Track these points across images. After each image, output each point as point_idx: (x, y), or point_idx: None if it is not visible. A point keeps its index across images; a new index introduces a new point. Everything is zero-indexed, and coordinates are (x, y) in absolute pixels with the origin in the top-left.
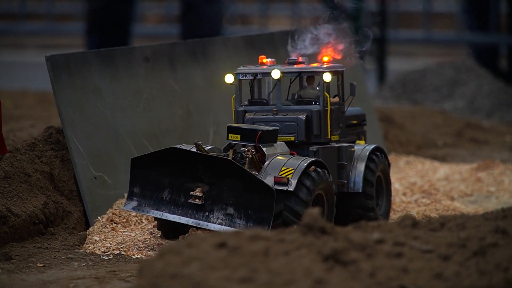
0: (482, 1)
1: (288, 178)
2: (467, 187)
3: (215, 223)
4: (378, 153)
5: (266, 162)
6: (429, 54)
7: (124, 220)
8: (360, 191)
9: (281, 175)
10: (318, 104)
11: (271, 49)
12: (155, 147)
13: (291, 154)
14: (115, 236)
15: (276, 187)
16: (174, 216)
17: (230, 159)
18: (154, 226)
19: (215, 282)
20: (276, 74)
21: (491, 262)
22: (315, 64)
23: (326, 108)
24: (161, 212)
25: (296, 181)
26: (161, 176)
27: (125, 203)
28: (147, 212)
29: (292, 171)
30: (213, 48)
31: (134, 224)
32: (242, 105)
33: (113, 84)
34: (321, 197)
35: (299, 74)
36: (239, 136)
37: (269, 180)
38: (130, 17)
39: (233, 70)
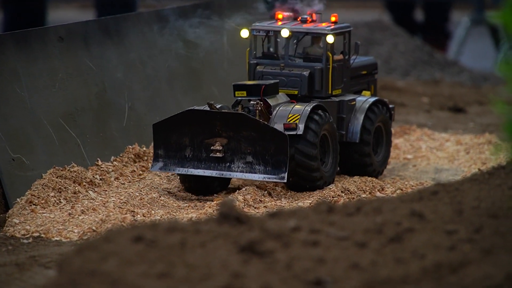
0: None
1: (296, 123)
2: None
3: (236, 172)
4: (379, 105)
5: (274, 112)
6: (344, 6)
7: (43, 201)
8: (357, 141)
9: (289, 121)
10: (321, 62)
11: (183, 21)
12: (71, 127)
13: (291, 102)
14: (34, 218)
15: (287, 132)
16: (199, 170)
17: (244, 112)
18: (72, 207)
19: (133, 278)
20: (285, 33)
21: (407, 249)
22: (323, 24)
23: (328, 66)
24: (186, 169)
25: (303, 125)
26: (182, 136)
27: (152, 165)
28: (173, 170)
29: (299, 116)
30: (126, 24)
31: (53, 205)
32: (254, 58)
33: (29, 65)
34: (325, 137)
35: (306, 34)
36: (245, 92)
37: (279, 127)
38: None
39: (146, 46)
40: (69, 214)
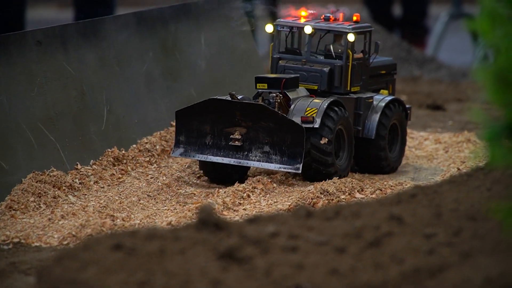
0: None
1: (313, 117)
2: None
3: (254, 161)
4: (396, 103)
5: (292, 105)
6: (323, 2)
7: (22, 207)
8: (373, 137)
9: (306, 114)
10: (341, 60)
11: (162, 24)
12: (51, 131)
13: (310, 96)
14: (14, 224)
15: (303, 125)
16: (218, 157)
17: (263, 104)
18: (52, 212)
19: (113, 287)
20: (308, 29)
21: (386, 253)
22: (344, 23)
23: (348, 63)
24: (206, 156)
25: (320, 119)
26: (203, 124)
27: (172, 151)
28: (193, 156)
29: (316, 110)
30: (103, 27)
31: (33, 210)
32: (278, 53)
33: (7, 70)
34: (341, 132)
35: (328, 31)
36: (266, 84)
37: (296, 120)
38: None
39: (125, 48)
40: (49, 219)
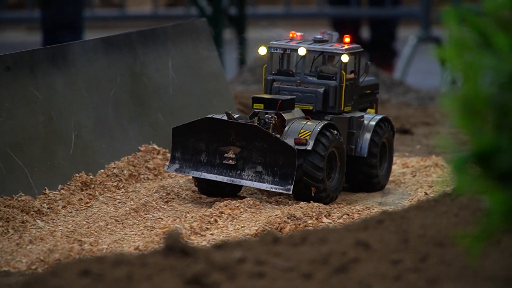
0: None
1: (306, 139)
2: None
3: (246, 180)
4: (385, 122)
5: (287, 126)
6: (291, 24)
7: None
8: (365, 155)
9: (300, 136)
10: (335, 80)
11: (129, 48)
12: (19, 156)
13: (306, 118)
14: None
15: (297, 147)
16: (211, 175)
17: (258, 125)
18: (20, 237)
19: None
20: (302, 51)
21: (353, 279)
22: (336, 45)
23: (341, 84)
24: (200, 172)
25: (313, 141)
26: (198, 141)
27: (168, 166)
28: (188, 173)
29: (309, 133)
30: (72, 52)
31: (1, 235)
32: (271, 75)
33: None
34: (334, 154)
35: (321, 53)
36: (262, 105)
37: (290, 141)
38: None
39: (93, 73)
40: (17, 244)
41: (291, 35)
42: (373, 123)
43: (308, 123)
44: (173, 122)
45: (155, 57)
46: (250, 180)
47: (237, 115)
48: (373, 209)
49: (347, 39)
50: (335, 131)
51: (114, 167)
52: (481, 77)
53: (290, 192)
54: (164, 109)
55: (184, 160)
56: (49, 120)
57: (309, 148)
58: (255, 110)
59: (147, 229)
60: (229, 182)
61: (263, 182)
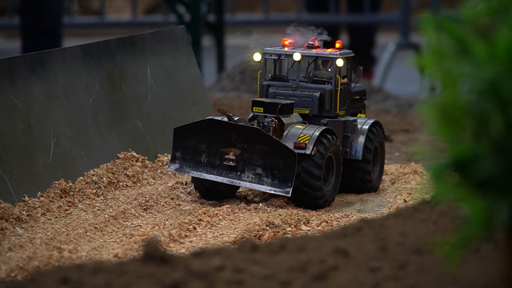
0: None
1: (305, 143)
2: None
3: (246, 181)
4: (377, 126)
5: (286, 130)
6: (271, 31)
7: None
8: (360, 158)
9: (299, 140)
10: (330, 84)
11: (108, 56)
12: None
13: (304, 123)
14: None
15: (296, 150)
16: (211, 175)
17: (259, 128)
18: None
19: None
20: (297, 56)
21: (332, 286)
22: (329, 50)
23: (336, 88)
24: (200, 173)
25: (312, 145)
26: (199, 142)
27: (168, 166)
28: (188, 172)
29: (309, 137)
30: (51, 59)
31: None
32: (266, 80)
33: None
34: (331, 158)
35: (316, 58)
36: (262, 108)
37: (289, 145)
38: None
39: (71, 81)
40: None
41: (283, 41)
42: (366, 127)
43: (307, 127)
44: (151, 129)
45: (134, 64)
46: (249, 181)
47: (237, 118)
48: (352, 217)
49: (338, 45)
50: (333, 136)
51: (93, 175)
52: (459, 84)
53: (289, 195)
54: (143, 117)
55: (184, 160)
56: (28, 127)
57: (308, 152)
58: (255, 113)
59: (126, 237)
60: (228, 183)
61: (263, 184)
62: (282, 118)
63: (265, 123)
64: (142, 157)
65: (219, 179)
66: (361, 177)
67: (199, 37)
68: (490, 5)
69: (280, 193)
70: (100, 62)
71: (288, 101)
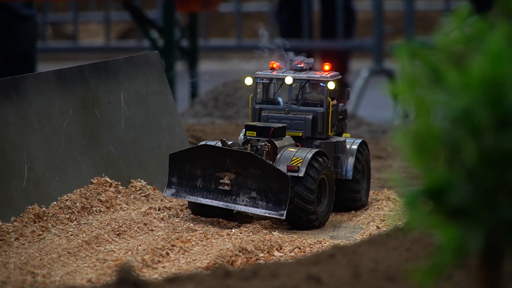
0: (293, 6)
1: (298, 166)
2: None
3: (241, 205)
4: (364, 146)
5: (279, 154)
6: (241, 57)
7: None
8: (351, 178)
9: (292, 163)
10: (321, 107)
11: (82, 81)
12: None
13: (296, 145)
14: None
15: (289, 173)
16: (207, 200)
17: (253, 152)
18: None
19: None
20: (289, 80)
21: None
22: (319, 73)
23: (328, 110)
24: (196, 197)
25: (304, 168)
26: (194, 168)
27: (164, 191)
28: (184, 197)
29: (301, 160)
30: (25, 84)
31: None
32: (258, 104)
33: None
34: (323, 180)
35: (308, 81)
36: (255, 132)
37: (283, 168)
38: None
39: (45, 106)
40: None
41: (271, 65)
42: (355, 147)
43: (300, 150)
44: (124, 155)
45: (107, 89)
46: (244, 205)
47: (230, 142)
48: (325, 243)
49: (327, 67)
50: (325, 158)
51: (66, 199)
52: (433, 112)
53: (283, 218)
54: (116, 142)
55: (180, 185)
56: (2, 152)
57: (301, 174)
58: (248, 137)
59: (100, 262)
60: (224, 207)
61: (257, 207)
62: (275, 142)
63: (258, 147)
64: (116, 183)
65: (214, 203)
66: (351, 197)
67: (172, 62)
68: (464, 32)
69: (274, 216)
70: (74, 87)
71: (280, 125)
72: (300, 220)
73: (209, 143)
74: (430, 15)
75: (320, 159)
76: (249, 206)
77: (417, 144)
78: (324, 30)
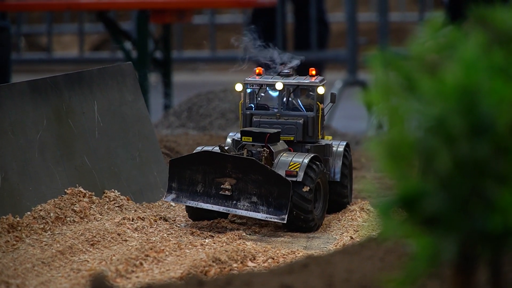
0: (267, 18)
1: (296, 171)
2: None
3: (242, 209)
4: (347, 148)
5: (276, 159)
6: (216, 69)
7: None
8: (339, 180)
9: (290, 169)
10: (312, 111)
11: (55, 92)
12: None
13: (289, 149)
14: None
15: (288, 178)
16: (208, 205)
17: (254, 158)
18: None
19: None
20: (279, 86)
21: None
22: (306, 78)
23: (318, 114)
24: (196, 202)
25: (302, 173)
26: (195, 173)
27: (165, 196)
28: (184, 202)
29: (299, 165)
30: None
31: None
32: (248, 110)
33: None
34: (319, 184)
35: (297, 86)
36: (251, 138)
37: (281, 173)
38: None
39: (19, 116)
40: None
41: (257, 71)
42: (341, 149)
43: (296, 156)
44: (98, 165)
45: (81, 100)
46: (245, 210)
47: (227, 147)
48: (298, 253)
49: (313, 72)
50: (320, 163)
51: (40, 210)
52: (407, 121)
53: (285, 221)
54: (90, 153)
55: (181, 190)
56: None
57: (299, 179)
58: (244, 142)
59: (74, 272)
60: (225, 211)
61: (258, 212)
62: (271, 147)
63: (254, 151)
64: (90, 193)
65: (215, 208)
66: (338, 200)
67: (146, 73)
68: (438, 41)
69: (276, 220)
70: (47, 98)
71: (275, 130)
72: (297, 219)
73: (206, 148)
74: (404, 26)
75: (316, 164)
76: (250, 211)
77: (391, 153)
78: (298, 42)
